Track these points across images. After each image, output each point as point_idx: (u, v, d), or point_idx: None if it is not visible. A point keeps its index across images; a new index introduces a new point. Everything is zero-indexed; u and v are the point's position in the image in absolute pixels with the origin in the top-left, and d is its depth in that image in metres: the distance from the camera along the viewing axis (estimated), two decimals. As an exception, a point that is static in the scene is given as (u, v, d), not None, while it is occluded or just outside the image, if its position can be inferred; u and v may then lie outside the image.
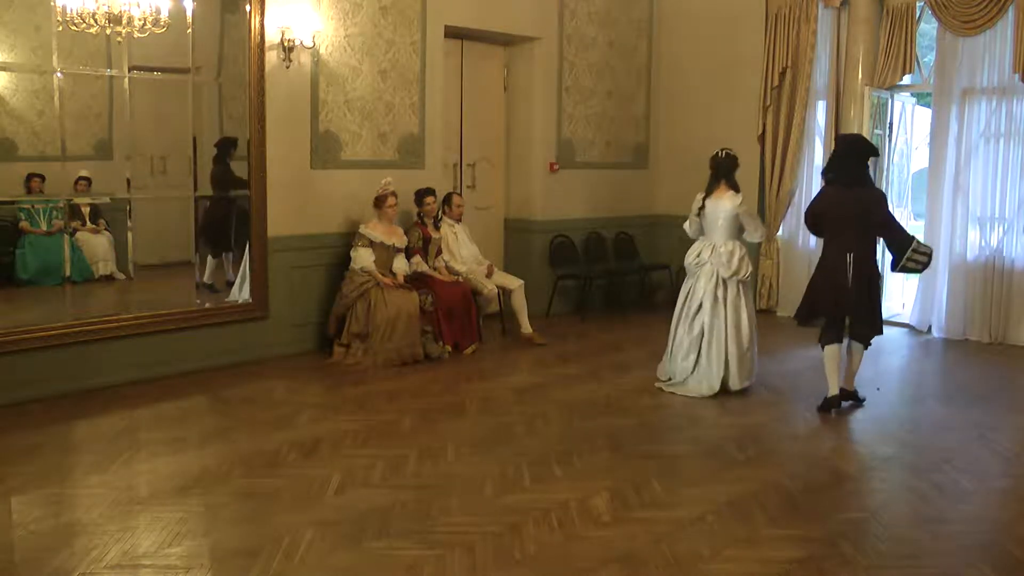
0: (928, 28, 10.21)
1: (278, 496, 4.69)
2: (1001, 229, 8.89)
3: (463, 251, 8.53)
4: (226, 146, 7.64)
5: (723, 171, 6.84)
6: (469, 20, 8.95)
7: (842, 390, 6.37)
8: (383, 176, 7.92)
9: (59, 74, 6.48)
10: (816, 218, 6.48)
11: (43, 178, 6.74)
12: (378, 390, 6.78)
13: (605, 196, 10.42)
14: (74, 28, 6.42)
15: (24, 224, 6.79)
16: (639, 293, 10.56)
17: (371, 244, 7.74)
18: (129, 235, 7.15)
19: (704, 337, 6.72)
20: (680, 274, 10.39)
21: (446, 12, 8.67)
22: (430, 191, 8.21)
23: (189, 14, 7.05)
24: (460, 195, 8.77)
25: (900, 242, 6.30)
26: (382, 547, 4.10)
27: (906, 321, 9.61)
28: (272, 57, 7.47)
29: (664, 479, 4.98)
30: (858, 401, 6.50)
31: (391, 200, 7.80)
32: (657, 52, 10.90)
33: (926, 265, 6.36)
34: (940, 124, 9.14)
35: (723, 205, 6.76)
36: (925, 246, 6.34)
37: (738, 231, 6.85)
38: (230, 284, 7.75)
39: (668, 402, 6.65)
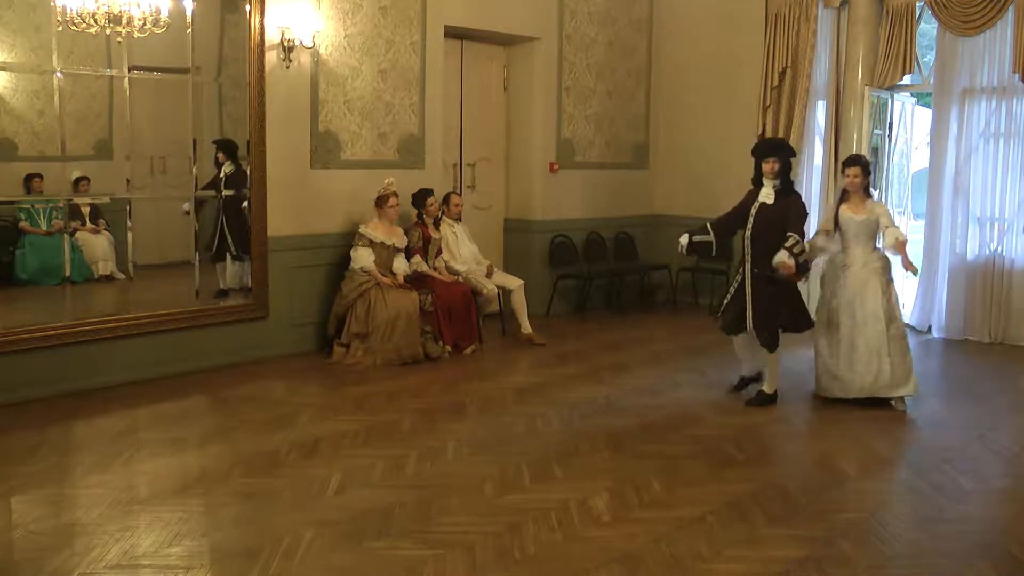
0: (928, 28, 10.22)
1: (278, 496, 4.69)
2: (1001, 229, 8.90)
3: (463, 250, 8.52)
4: (233, 147, 7.62)
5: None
6: (469, 20, 8.94)
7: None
8: (383, 176, 7.92)
9: (59, 74, 6.48)
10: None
11: (43, 178, 6.74)
12: (378, 390, 6.78)
13: (605, 196, 10.41)
14: (74, 28, 6.41)
15: (24, 224, 6.80)
16: (639, 293, 10.56)
17: (371, 244, 7.74)
18: (129, 235, 7.15)
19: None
20: (680, 274, 10.43)
21: (446, 12, 8.66)
22: (430, 192, 8.21)
23: (189, 14, 7.05)
24: (459, 194, 8.78)
25: None
26: (382, 547, 4.10)
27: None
28: (272, 57, 7.46)
29: (664, 479, 4.98)
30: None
31: (392, 200, 7.80)
32: (657, 52, 10.89)
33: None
34: (940, 124, 9.13)
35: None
36: None
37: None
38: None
39: (668, 402, 6.65)
